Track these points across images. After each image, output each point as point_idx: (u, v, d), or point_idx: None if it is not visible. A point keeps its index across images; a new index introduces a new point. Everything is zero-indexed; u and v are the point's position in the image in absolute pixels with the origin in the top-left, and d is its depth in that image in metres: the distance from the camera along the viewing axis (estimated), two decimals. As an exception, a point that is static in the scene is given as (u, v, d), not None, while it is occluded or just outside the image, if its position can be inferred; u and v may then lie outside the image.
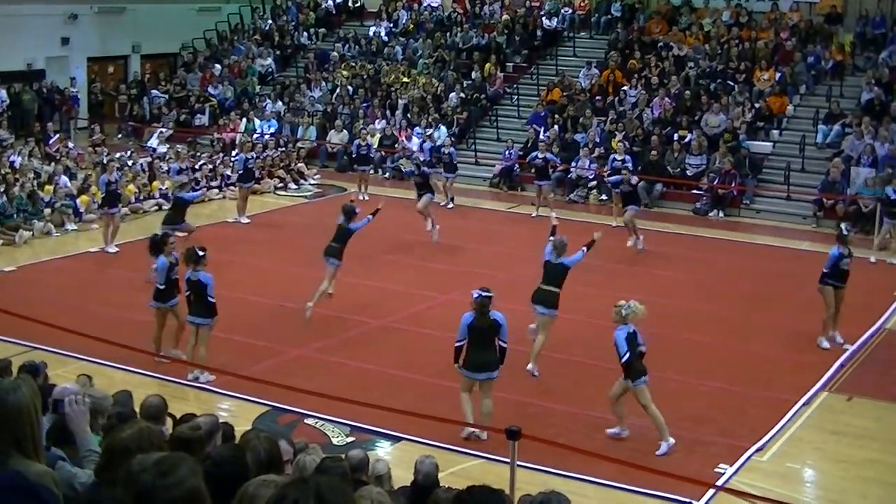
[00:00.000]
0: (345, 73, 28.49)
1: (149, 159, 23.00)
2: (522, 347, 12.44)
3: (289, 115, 27.19)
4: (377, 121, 26.03)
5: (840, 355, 13.23)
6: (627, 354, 10.10)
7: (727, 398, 11.90)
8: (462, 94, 26.25)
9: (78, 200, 19.71)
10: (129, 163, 22.04)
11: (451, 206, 21.49)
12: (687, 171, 22.44)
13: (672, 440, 10.25)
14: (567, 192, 22.79)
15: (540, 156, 20.99)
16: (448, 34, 28.95)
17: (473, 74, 26.99)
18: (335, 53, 29.65)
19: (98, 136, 25.39)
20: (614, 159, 20.66)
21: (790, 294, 15.57)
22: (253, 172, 21.14)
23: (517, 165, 23.45)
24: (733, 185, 21.65)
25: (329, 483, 2.78)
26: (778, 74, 24.19)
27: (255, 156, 22.17)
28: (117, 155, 22.15)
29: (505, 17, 28.79)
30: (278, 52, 30.56)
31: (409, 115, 25.96)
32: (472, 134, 25.58)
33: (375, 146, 24.70)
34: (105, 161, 19.89)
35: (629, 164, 20.21)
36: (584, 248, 13.07)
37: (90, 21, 28.91)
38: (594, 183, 22.73)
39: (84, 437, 4.38)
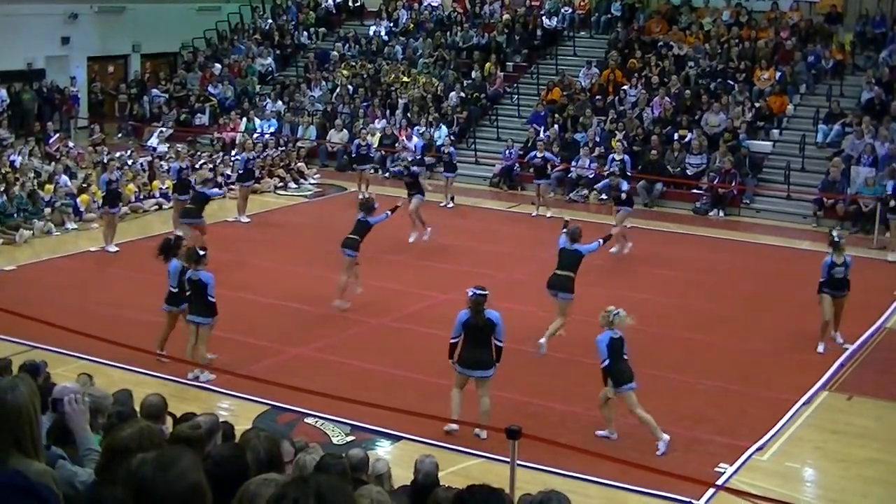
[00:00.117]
0: (345, 72, 28.49)
1: (149, 159, 23.01)
2: (522, 347, 12.45)
3: (289, 114, 27.19)
4: (377, 120, 26.02)
5: (840, 355, 13.23)
6: (607, 361, 10.12)
7: (727, 397, 11.90)
8: (462, 94, 26.24)
9: (78, 200, 19.73)
10: (130, 162, 22.04)
11: (451, 205, 21.49)
12: (687, 171, 22.44)
13: (667, 436, 10.24)
14: (567, 192, 22.80)
15: (539, 155, 21.05)
16: (448, 33, 28.95)
17: (473, 74, 26.99)
18: (335, 53, 29.65)
19: (98, 135, 25.40)
20: (613, 159, 20.68)
21: (790, 293, 15.56)
22: (253, 172, 21.18)
23: (517, 165, 23.46)
24: (733, 184, 21.64)
25: (329, 482, 2.78)
26: (778, 74, 24.19)
27: (255, 155, 22.20)
28: (117, 154, 22.17)
29: (505, 16, 28.79)
30: (278, 52, 30.56)
31: (409, 115, 25.96)
32: (472, 133, 25.57)
33: (375, 146, 24.70)
34: (106, 160, 19.91)
35: (627, 164, 20.16)
36: (601, 240, 13.63)
37: (90, 20, 28.90)
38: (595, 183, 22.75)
39: (84, 436, 4.37)
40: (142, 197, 20.96)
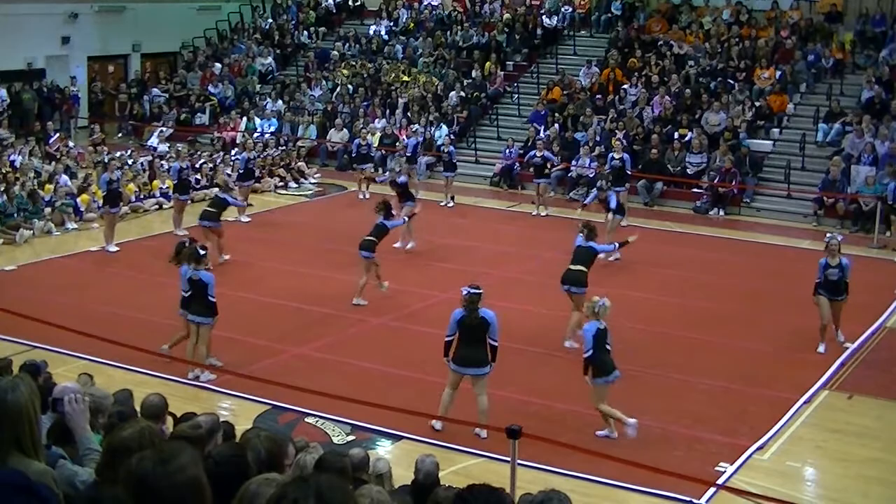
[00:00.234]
0: (345, 71, 28.49)
1: (149, 158, 23.01)
2: (523, 346, 12.45)
3: (289, 113, 27.19)
4: (377, 120, 26.03)
5: (841, 354, 13.23)
6: (591, 351, 10.22)
7: (727, 396, 11.89)
8: (462, 93, 26.25)
9: (78, 199, 19.73)
10: (130, 162, 22.04)
11: (451, 204, 21.50)
12: (687, 170, 22.44)
13: (634, 420, 10.24)
14: (567, 191, 22.80)
15: (538, 154, 21.06)
16: (448, 33, 28.95)
17: (474, 73, 26.98)
18: (335, 52, 29.64)
19: (98, 135, 25.39)
20: (612, 157, 20.65)
21: (790, 292, 15.53)
22: (253, 171, 21.20)
23: (517, 164, 23.47)
24: (734, 183, 21.64)
25: (329, 482, 2.78)
26: (778, 73, 24.19)
27: (255, 155, 22.22)
28: (118, 154, 22.18)
29: (505, 15, 28.79)
30: (278, 51, 30.56)
31: (409, 114, 25.96)
32: (473, 133, 25.57)
33: (375, 145, 24.70)
34: (106, 160, 19.91)
35: (627, 163, 20.07)
36: (617, 244, 14.44)
37: (90, 20, 28.91)
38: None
39: (84, 436, 4.37)
40: (142, 197, 20.97)
